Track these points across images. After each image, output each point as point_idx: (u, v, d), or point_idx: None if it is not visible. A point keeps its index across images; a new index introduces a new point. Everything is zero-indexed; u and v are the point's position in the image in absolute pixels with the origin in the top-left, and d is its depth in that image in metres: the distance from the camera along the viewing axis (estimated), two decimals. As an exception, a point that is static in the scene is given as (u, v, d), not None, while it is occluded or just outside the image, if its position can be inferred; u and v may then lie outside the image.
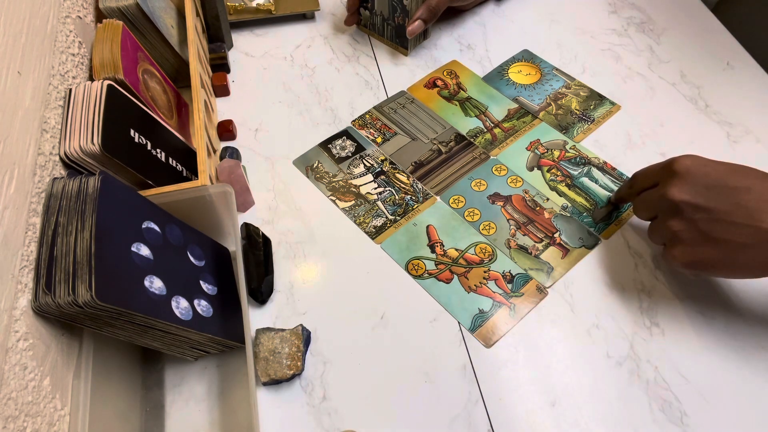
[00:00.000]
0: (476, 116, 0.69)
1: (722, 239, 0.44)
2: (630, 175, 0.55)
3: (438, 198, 0.61)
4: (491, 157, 0.65)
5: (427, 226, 0.59)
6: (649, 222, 0.51)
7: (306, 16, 0.80)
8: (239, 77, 0.73)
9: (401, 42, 0.74)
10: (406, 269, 0.56)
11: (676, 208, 0.46)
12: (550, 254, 0.57)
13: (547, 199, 0.61)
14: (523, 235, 0.58)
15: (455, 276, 0.56)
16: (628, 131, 0.66)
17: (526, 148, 0.65)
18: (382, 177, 0.63)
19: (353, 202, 0.61)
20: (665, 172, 0.48)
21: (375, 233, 0.59)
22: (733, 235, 0.43)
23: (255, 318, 0.53)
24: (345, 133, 0.67)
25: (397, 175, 0.63)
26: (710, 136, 0.66)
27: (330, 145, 0.66)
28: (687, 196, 0.45)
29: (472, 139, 0.66)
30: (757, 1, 0.81)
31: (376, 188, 0.62)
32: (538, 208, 0.60)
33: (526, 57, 0.75)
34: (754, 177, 0.44)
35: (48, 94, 0.45)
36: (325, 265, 0.57)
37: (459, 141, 0.66)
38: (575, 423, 0.47)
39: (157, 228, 0.45)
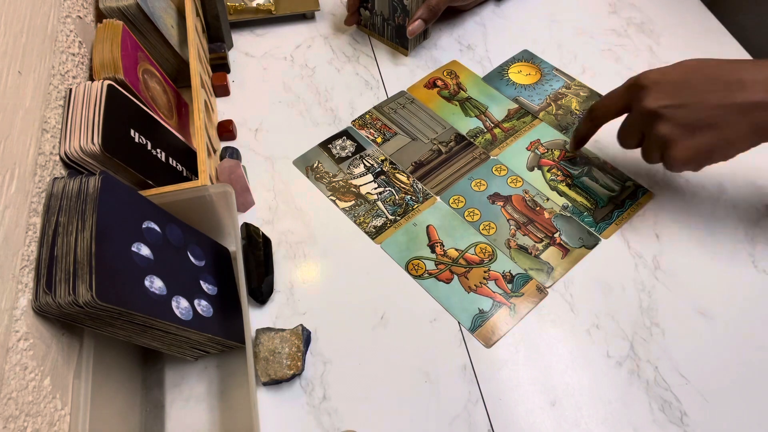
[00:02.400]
0: (476, 116, 0.69)
1: (708, 124, 0.48)
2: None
3: (438, 198, 0.61)
4: (491, 157, 0.65)
5: (427, 226, 0.59)
6: (638, 149, 0.54)
7: (306, 16, 0.80)
8: (239, 77, 0.73)
9: (401, 42, 0.74)
10: (406, 269, 0.56)
11: (657, 115, 0.50)
12: (550, 254, 0.57)
13: (548, 199, 0.61)
14: (523, 235, 0.58)
15: (455, 276, 0.56)
16: (628, 131, 0.66)
17: (527, 148, 0.65)
18: (382, 177, 0.63)
19: (353, 202, 0.61)
20: (632, 90, 0.52)
21: (375, 233, 0.59)
22: (715, 117, 0.48)
23: (255, 318, 0.53)
24: (345, 133, 0.67)
25: (397, 175, 0.63)
26: (710, 136, 0.66)
27: (330, 145, 0.66)
28: (663, 101, 0.49)
29: (472, 139, 0.66)
30: (757, 0, 0.81)
31: (376, 188, 0.62)
32: (538, 208, 0.60)
33: (526, 57, 0.75)
34: (708, 67, 0.49)
35: (48, 94, 0.45)
36: (325, 265, 0.57)
37: (459, 141, 0.66)
38: (575, 423, 0.48)
39: (157, 228, 0.45)
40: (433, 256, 0.57)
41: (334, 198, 0.62)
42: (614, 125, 0.68)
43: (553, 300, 0.54)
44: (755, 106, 0.46)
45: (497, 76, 0.73)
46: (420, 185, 0.62)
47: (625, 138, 0.55)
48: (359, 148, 0.66)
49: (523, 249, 0.57)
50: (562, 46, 0.76)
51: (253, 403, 0.42)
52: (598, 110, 0.56)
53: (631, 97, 0.52)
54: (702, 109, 0.48)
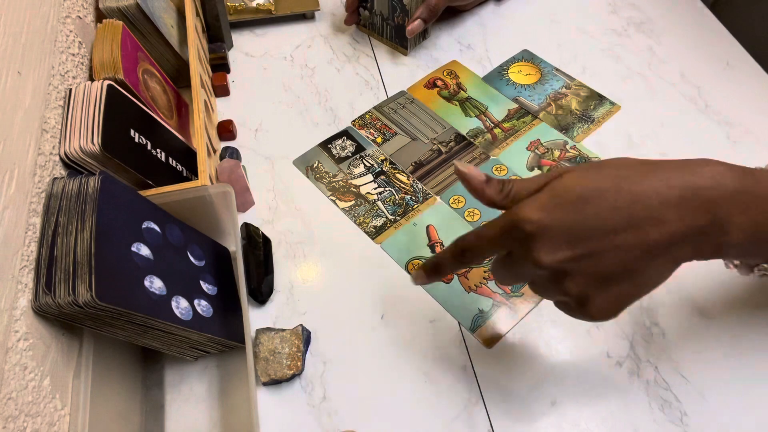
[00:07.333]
0: (476, 116, 0.69)
1: (623, 271, 0.37)
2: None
3: (438, 198, 0.61)
4: (491, 157, 0.65)
5: (427, 226, 0.59)
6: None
7: (306, 16, 0.80)
8: (239, 77, 0.73)
9: (401, 42, 0.74)
10: (406, 269, 0.56)
11: (559, 272, 0.37)
12: (550, 254, 0.57)
13: (547, 199, 0.61)
14: (523, 235, 0.58)
15: (455, 276, 0.56)
16: (629, 131, 0.66)
17: (527, 148, 0.65)
18: (382, 177, 0.63)
19: (353, 202, 0.61)
20: (513, 236, 0.37)
21: (375, 233, 0.59)
22: (631, 263, 0.37)
23: (255, 318, 0.53)
24: (345, 133, 0.67)
25: (397, 175, 0.63)
26: (710, 136, 0.66)
27: (330, 145, 0.66)
28: (561, 254, 0.36)
29: (472, 139, 0.66)
30: (757, 0, 0.81)
31: (376, 188, 0.62)
32: (538, 208, 0.60)
33: (526, 57, 0.75)
34: (602, 198, 0.36)
35: (48, 94, 0.45)
36: (325, 265, 0.57)
37: (459, 141, 0.66)
38: (575, 423, 0.47)
39: (157, 228, 0.45)
40: (433, 256, 0.57)
41: (334, 198, 0.62)
42: (611, 126, 0.68)
43: (553, 300, 0.54)
44: (672, 241, 0.36)
45: (497, 76, 0.73)
46: (420, 185, 0.62)
47: (510, 282, 0.43)
48: (359, 148, 0.66)
49: (523, 249, 0.57)
50: (562, 46, 0.76)
51: (253, 403, 0.42)
52: (468, 251, 0.40)
53: (513, 244, 0.38)
54: (612, 255, 0.36)
